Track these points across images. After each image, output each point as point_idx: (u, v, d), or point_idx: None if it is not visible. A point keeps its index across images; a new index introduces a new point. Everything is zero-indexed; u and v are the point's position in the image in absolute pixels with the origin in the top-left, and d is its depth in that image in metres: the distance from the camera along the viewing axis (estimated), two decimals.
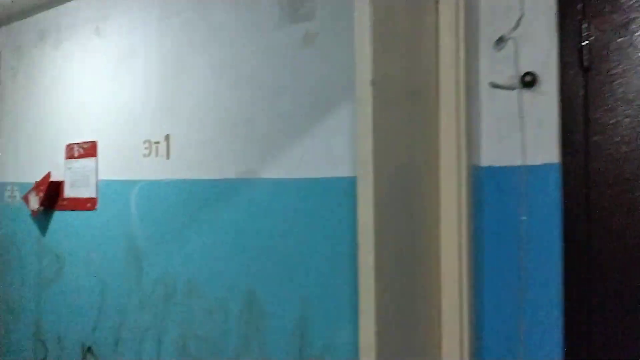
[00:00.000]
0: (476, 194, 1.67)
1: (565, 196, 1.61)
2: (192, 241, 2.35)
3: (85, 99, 2.86)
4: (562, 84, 1.63)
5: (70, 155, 2.94)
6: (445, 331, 1.55)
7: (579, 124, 1.61)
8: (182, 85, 2.42)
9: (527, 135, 1.65)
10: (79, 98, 2.91)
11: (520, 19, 1.68)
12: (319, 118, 1.97)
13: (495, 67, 1.73)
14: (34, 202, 3.01)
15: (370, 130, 1.33)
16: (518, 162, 1.67)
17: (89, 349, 2.78)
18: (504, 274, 1.68)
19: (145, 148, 2.55)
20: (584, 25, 1.61)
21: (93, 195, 2.80)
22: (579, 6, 1.63)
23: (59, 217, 2.98)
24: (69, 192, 2.94)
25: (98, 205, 2.77)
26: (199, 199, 2.34)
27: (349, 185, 1.83)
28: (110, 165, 2.74)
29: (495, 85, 1.71)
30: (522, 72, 1.66)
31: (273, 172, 2.09)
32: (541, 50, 1.65)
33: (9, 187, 3.29)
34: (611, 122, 1.58)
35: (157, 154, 2.51)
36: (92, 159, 2.82)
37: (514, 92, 1.68)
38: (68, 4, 2.98)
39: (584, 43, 1.60)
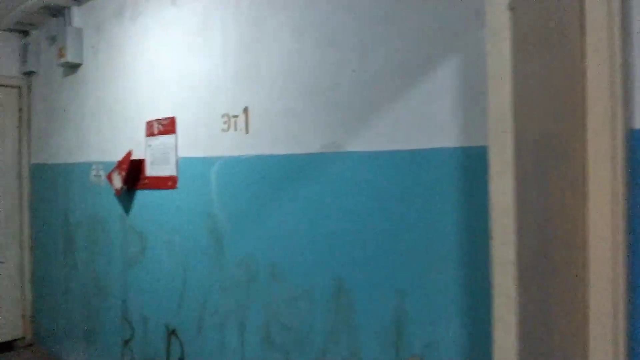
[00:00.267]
0: (633, 164, 1.29)
1: None
2: (274, 222, 2.16)
3: (164, 74, 2.76)
4: None
5: (150, 133, 2.85)
6: (593, 341, 1.21)
7: None
8: (260, 50, 2.21)
9: None
10: (157, 73, 2.81)
11: None
12: (414, 80, 1.67)
13: None
14: (117, 181, 2.96)
15: (509, 75, 0.99)
16: None
17: (173, 332, 2.70)
18: None
19: (224, 122, 2.39)
20: None
21: (174, 174, 2.70)
22: None
23: (141, 196, 2.92)
24: (150, 171, 2.86)
25: (179, 184, 2.66)
26: (280, 177, 2.13)
27: (452, 157, 1.59)
28: (189, 142, 2.61)
29: None
30: None
31: (361, 144, 1.83)
32: None
33: (94, 167, 3.29)
34: None
35: (235, 129, 2.33)
36: (172, 136, 2.71)
37: None
38: None
39: None
